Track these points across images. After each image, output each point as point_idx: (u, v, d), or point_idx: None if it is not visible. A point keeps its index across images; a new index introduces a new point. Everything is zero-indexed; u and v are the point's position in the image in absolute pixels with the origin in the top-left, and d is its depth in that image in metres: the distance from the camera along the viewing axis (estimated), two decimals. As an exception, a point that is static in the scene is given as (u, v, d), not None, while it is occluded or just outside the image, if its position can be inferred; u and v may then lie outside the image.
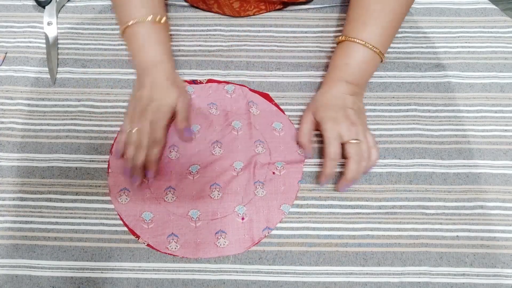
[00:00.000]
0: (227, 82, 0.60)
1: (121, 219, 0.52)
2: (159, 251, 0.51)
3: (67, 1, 0.67)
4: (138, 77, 0.57)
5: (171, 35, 0.63)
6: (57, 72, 0.61)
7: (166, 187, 0.54)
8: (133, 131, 0.52)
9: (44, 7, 0.65)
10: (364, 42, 0.53)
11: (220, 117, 0.58)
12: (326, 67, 0.61)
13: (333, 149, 0.50)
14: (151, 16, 0.55)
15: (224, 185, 0.54)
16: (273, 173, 0.55)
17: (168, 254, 0.50)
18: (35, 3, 0.65)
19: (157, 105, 0.53)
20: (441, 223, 0.52)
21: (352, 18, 0.56)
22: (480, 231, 0.52)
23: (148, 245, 0.51)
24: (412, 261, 0.50)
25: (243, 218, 0.52)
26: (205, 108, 0.59)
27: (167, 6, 0.66)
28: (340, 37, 0.55)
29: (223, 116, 0.58)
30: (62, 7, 0.66)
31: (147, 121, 0.52)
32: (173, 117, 0.55)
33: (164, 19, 0.57)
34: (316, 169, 0.55)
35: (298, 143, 0.56)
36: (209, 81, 0.61)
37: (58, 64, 0.62)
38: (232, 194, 0.53)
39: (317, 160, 0.55)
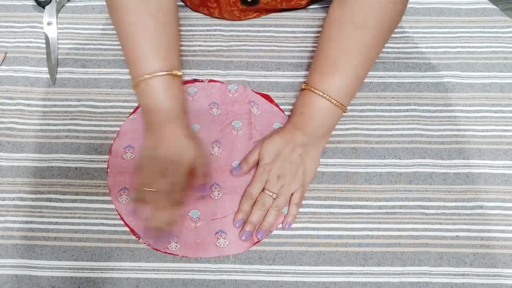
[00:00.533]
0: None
1: (122, 219, 0.52)
2: (159, 251, 0.51)
3: (67, 1, 0.67)
4: (151, 130, 0.52)
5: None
6: (57, 72, 0.61)
7: (166, 187, 0.54)
8: (152, 191, 0.49)
9: (44, 7, 0.65)
10: (323, 94, 0.51)
11: (221, 116, 0.58)
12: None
13: (253, 190, 0.52)
14: (167, 70, 0.51)
15: (223, 185, 0.54)
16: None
17: (168, 253, 0.50)
18: (35, 3, 0.65)
19: (176, 165, 0.50)
20: (441, 223, 0.52)
21: (314, 67, 0.54)
22: (480, 231, 0.52)
23: (148, 245, 0.51)
24: (412, 261, 0.50)
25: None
26: (206, 108, 0.59)
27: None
28: (304, 85, 0.54)
29: (224, 115, 0.58)
30: (62, 7, 0.66)
31: (167, 183, 0.49)
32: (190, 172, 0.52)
33: (179, 72, 0.53)
34: (318, 169, 0.55)
35: (240, 163, 0.54)
36: (210, 81, 0.61)
37: (58, 64, 0.62)
38: (233, 194, 0.53)
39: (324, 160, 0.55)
